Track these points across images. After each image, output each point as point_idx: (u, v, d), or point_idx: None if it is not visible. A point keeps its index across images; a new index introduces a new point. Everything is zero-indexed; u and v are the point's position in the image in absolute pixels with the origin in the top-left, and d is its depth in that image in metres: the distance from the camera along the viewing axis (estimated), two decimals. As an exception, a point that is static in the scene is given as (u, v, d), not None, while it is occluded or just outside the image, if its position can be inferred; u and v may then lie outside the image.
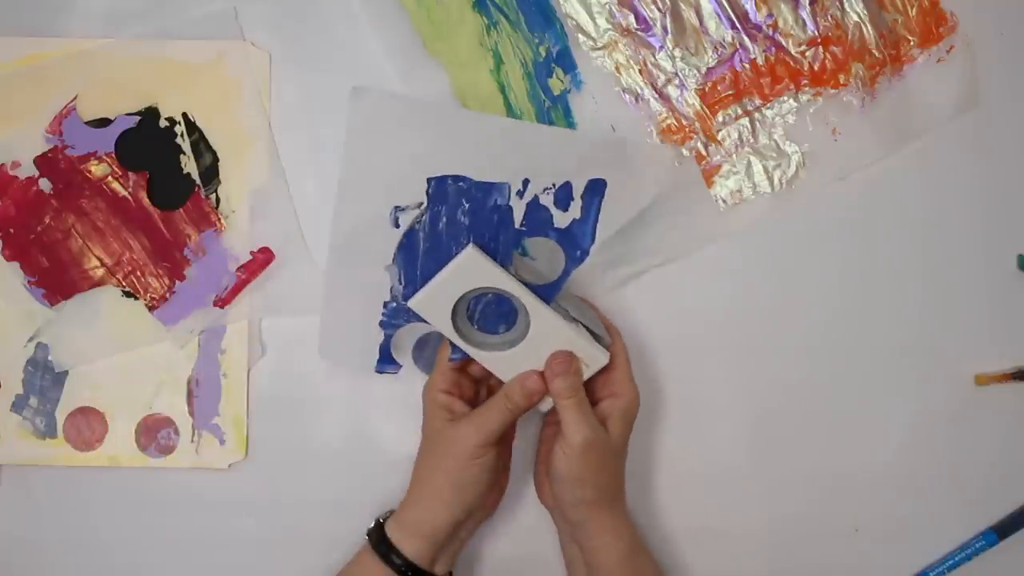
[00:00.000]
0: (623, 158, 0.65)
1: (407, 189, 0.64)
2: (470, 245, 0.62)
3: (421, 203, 0.65)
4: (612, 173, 0.63)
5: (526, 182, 0.63)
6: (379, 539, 0.61)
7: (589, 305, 0.65)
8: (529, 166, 0.63)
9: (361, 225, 0.66)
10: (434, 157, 0.64)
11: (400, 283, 0.65)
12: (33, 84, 0.68)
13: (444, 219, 0.64)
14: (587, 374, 0.63)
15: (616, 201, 0.63)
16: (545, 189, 0.63)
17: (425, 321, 0.63)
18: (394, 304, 0.66)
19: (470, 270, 0.62)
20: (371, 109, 0.65)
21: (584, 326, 0.64)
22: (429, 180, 0.64)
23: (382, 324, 0.66)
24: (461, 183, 0.64)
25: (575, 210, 0.63)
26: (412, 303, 0.63)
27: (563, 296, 0.64)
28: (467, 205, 0.64)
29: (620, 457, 0.63)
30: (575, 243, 0.63)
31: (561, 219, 0.63)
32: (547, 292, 0.63)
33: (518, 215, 0.63)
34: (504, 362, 0.63)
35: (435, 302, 0.62)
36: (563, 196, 0.63)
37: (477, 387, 0.66)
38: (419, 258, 0.64)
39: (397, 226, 0.65)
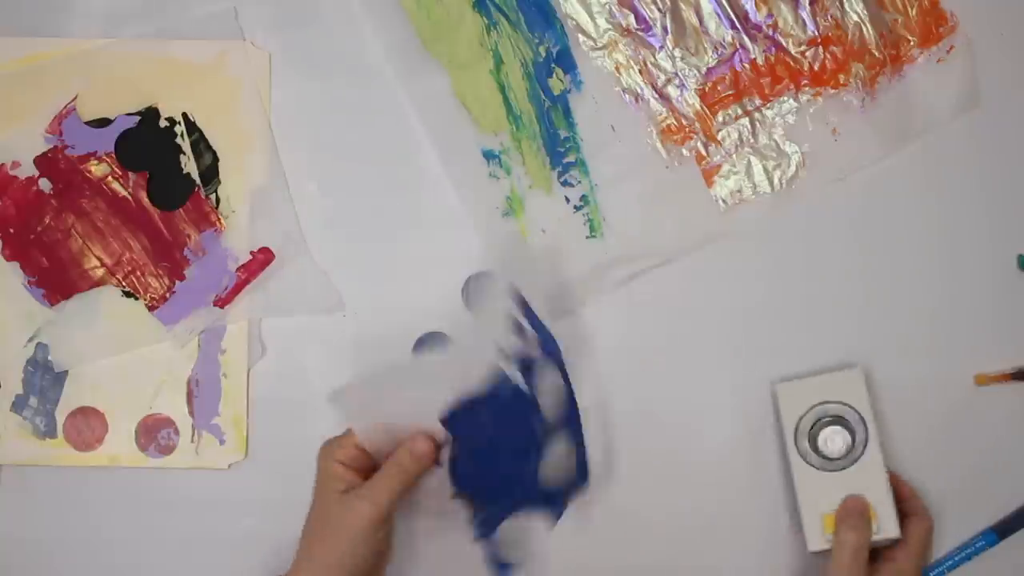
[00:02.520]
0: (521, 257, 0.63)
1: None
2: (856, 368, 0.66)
3: (448, 438, 0.60)
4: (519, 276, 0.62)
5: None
6: None
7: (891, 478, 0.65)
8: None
9: None
10: (427, 407, 0.60)
11: (474, 510, 0.61)
12: (33, 84, 0.68)
13: (482, 438, 0.61)
14: (873, 538, 0.63)
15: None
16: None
17: (515, 512, 0.62)
18: (479, 518, 0.61)
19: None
20: (353, 403, 0.61)
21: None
22: (443, 422, 0.60)
23: (477, 538, 0.61)
24: (467, 407, 0.60)
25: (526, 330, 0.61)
26: None
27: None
28: (489, 413, 0.60)
29: None
30: (547, 349, 0.61)
31: (522, 346, 0.61)
32: (571, 417, 0.62)
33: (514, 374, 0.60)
34: (816, 480, 0.65)
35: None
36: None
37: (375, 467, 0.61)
38: (478, 480, 0.61)
39: (439, 464, 0.61)
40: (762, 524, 0.69)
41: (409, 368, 0.61)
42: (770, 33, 0.70)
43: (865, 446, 0.65)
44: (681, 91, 0.70)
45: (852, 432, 0.66)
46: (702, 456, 0.69)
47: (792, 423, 0.66)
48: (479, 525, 0.61)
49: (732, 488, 0.69)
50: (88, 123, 0.68)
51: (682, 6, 0.70)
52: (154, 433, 0.68)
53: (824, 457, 0.66)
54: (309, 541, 0.59)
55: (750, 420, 0.69)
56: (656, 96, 0.70)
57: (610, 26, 0.70)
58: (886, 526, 0.64)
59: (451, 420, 0.60)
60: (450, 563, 0.63)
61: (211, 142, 0.68)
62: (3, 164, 0.67)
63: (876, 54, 0.70)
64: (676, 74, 0.70)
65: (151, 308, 0.68)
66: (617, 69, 0.70)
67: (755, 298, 0.70)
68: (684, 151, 0.70)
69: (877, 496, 0.64)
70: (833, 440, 0.66)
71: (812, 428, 0.66)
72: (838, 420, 0.66)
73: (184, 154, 0.68)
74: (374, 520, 0.57)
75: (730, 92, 0.70)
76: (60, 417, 0.68)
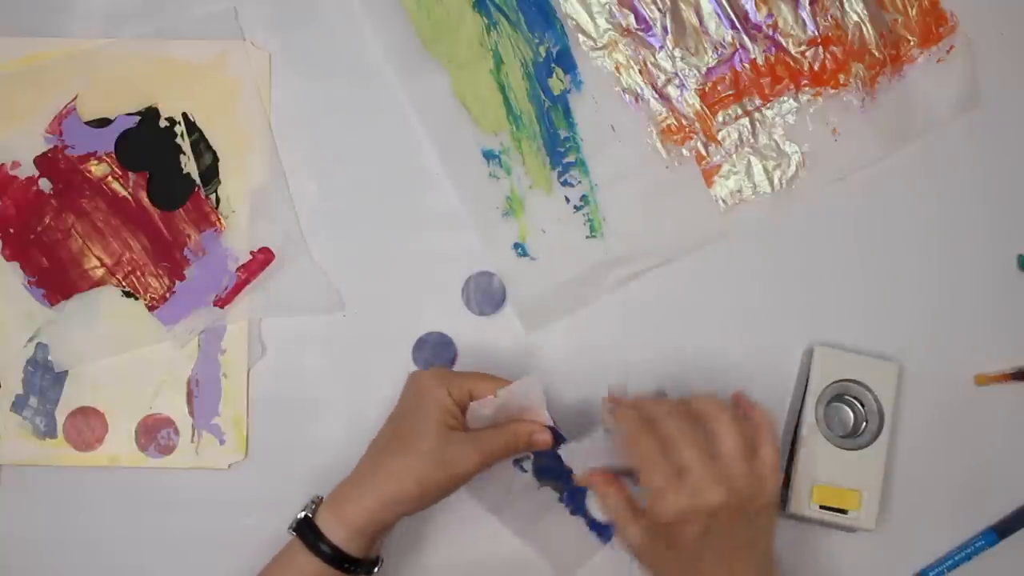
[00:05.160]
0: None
1: None
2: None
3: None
4: None
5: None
6: (313, 533, 0.58)
7: None
8: None
9: (496, 481, 0.67)
10: None
11: (561, 491, 0.67)
12: (33, 84, 0.68)
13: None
14: (851, 524, 0.67)
15: None
16: None
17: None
18: (567, 493, 0.67)
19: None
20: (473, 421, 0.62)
21: None
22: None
23: (575, 512, 0.67)
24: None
25: None
26: None
27: None
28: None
29: None
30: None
31: None
32: None
33: None
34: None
35: None
36: None
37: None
38: (560, 470, 0.65)
39: (525, 471, 0.68)
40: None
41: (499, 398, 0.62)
42: (770, 33, 0.70)
43: (875, 437, 0.67)
44: (681, 91, 0.70)
45: (866, 420, 0.67)
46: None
47: (819, 386, 0.67)
48: (569, 500, 0.67)
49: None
50: (88, 123, 0.68)
51: (682, 6, 0.70)
52: (154, 433, 0.68)
53: (832, 431, 0.67)
54: (385, 459, 0.60)
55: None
56: (656, 96, 0.70)
57: (610, 26, 0.70)
58: (866, 518, 0.66)
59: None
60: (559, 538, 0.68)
61: (211, 142, 0.68)
62: (3, 164, 0.67)
63: (876, 54, 0.70)
64: (676, 74, 0.70)
65: (151, 308, 0.68)
66: (617, 69, 0.70)
67: (755, 298, 0.70)
68: (684, 151, 0.70)
69: (870, 488, 0.66)
70: (848, 419, 0.68)
71: (833, 399, 0.68)
72: (860, 402, 0.67)
73: (184, 154, 0.68)
74: (477, 470, 0.59)
75: (730, 92, 0.70)
76: (60, 417, 0.67)
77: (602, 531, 0.67)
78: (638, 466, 0.57)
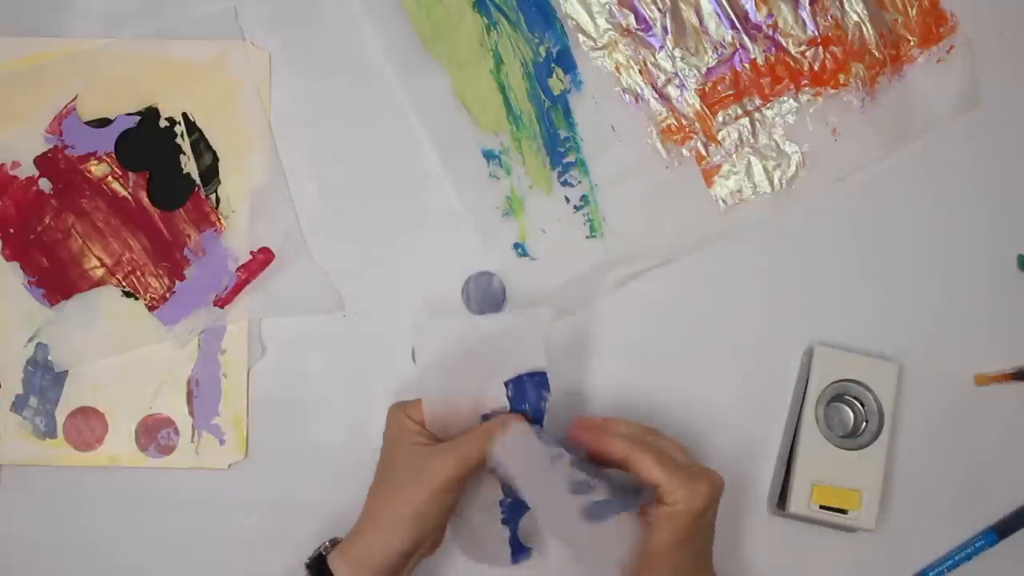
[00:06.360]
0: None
1: (488, 396, 0.62)
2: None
3: (504, 406, 0.62)
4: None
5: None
6: (320, 573, 0.58)
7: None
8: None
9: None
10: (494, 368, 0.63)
11: (507, 493, 0.64)
12: (33, 84, 0.68)
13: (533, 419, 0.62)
14: (851, 524, 0.67)
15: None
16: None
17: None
18: (509, 500, 0.64)
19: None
20: (436, 338, 0.62)
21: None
22: (507, 384, 0.62)
23: (504, 521, 0.64)
24: (537, 378, 0.62)
25: None
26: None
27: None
28: (548, 398, 0.62)
29: None
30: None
31: None
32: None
33: None
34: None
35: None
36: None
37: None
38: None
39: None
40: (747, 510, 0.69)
41: (482, 324, 0.62)
42: (770, 33, 0.70)
43: (875, 437, 0.67)
44: (681, 91, 0.70)
45: (866, 420, 0.67)
46: (705, 457, 0.69)
47: (819, 386, 0.67)
48: (508, 508, 0.64)
49: (741, 489, 0.69)
50: (88, 123, 0.68)
51: (682, 6, 0.70)
52: (154, 433, 0.68)
53: (832, 431, 0.67)
54: (378, 493, 0.60)
55: (747, 421, 0.69)
56: (656, 96, 0.70)
57: (610, 26, 0.70)
58: (866, 518, 0.66)
59: (513, 386, 0.62)
60: (471, 538, 0.65)
61: (211, 142, 0.68)
62: (3, 164, 0.67)
63: (876, 54, 0.70)
64: (676, 74, 0.70)
65: (151, 308, 0.68)
66: (617, 69, 0.70)
67: (755, 298, 0.70)
68: (684, 151, 0.70)
69: (870, 488, 0.66)
70: (848, 419, 0.68)
71: (833, 399, 0.68)
72: (860, 402, 0.67)
73: (184, 154, 0.68)
74: (456, 476, 0.57)
75: (730, 92, 0.70)
76: (60, 417, 0.67)
77: (517, 553, 0.64)
78: (647, 470, 0.57)
